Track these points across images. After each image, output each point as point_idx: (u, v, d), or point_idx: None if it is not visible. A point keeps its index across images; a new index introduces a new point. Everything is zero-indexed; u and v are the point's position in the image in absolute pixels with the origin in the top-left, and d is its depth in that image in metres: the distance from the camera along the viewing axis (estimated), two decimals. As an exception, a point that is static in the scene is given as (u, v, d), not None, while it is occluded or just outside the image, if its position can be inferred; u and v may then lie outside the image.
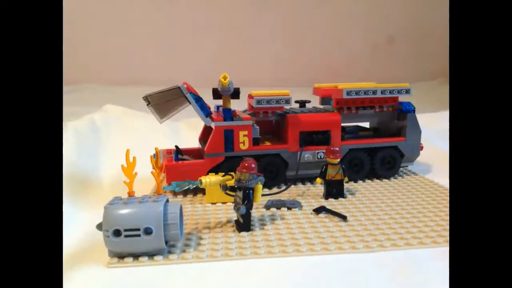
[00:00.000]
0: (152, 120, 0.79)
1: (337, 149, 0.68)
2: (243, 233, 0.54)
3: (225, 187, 0.57)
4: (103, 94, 2.00)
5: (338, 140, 0.77)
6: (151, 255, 0.48)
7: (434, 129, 1.08)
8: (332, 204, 0.66)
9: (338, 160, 0.68)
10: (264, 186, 0.74)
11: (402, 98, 0.81)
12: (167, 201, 0.51)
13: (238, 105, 0.80)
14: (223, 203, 0.67)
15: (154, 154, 0.67)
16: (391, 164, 0.80)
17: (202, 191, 0.70)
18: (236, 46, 2.64)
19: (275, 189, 0.74)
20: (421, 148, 0.83)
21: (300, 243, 0.51)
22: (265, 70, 2.61)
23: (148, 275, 0.45)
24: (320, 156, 0.76)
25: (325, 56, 2.66)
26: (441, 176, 0.80)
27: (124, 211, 0.47)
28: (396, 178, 0.81)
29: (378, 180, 0.80)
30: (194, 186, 0.55)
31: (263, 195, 0.67)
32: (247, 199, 0.54)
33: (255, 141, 0.74)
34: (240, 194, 0.55)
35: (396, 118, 0.84)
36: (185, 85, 0.70)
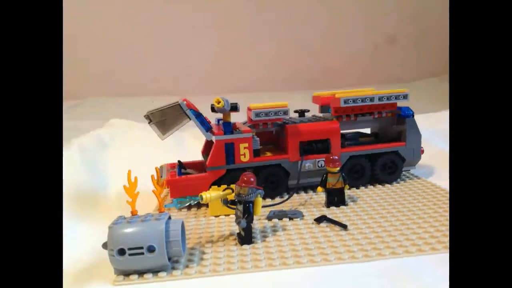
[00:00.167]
0: (157, 131, 0.80)
1: (336, 157, 0.69)
2: (245, 246, 0.56)
3: (225, 201, 0.59)
4: (107, 107, 2.03)
5: (338, 147, 0.78)
6: (155, 271, 0.50)
7: (436, 129, 1.08)
8: (333, 212, 0.67)
9: (338, 168, 0.69)
10: (267, 196, 0.75)
11: (401, 103, 0.82)
12: (169, 218, 0.52)
13: (239, 116, 0.81)
14: (226, 215, 0.68)
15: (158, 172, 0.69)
16: (392, 169, 0.81)
17: (206, 204, 0.72)
18: (235, 47, 2.65)
19: (277, 199, 0.75)
20: (422, 151, 0.83)
21: (301, 254, 0.52)
22: (265, 71, 2.62)
23: (152, 292, 0.47)
24: (321, 165, 0.77)
25: (326, 56, 2.66)
26: (443, 179, 0.81)
27: (128, 230, 0.49)
28: (398, 183, 0.81)
29: (380, 186, 0.80)
30: (196, 202, 0.56)
31: (265, 206, 0.69)
32: (247, 212, 0.56)
33: (256, 153, 0.75)
34: (240, 207, 0.56)
35: (396, 123, 0.84)
36: (185, 102, 0.72)
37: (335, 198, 0.70)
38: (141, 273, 0.50)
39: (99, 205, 0.77)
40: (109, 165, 0.92)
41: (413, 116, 0.82)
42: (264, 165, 0.75)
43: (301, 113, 0.87)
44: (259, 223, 0.64)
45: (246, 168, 0.73)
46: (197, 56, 2.61)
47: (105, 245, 0.50)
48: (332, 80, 2.44)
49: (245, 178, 0.56)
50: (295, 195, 0.77)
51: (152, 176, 0.56)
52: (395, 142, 0.82)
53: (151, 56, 2.61)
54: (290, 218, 0.65)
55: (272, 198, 0.76)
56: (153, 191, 0.55)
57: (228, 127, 0.73)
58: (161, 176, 0.74)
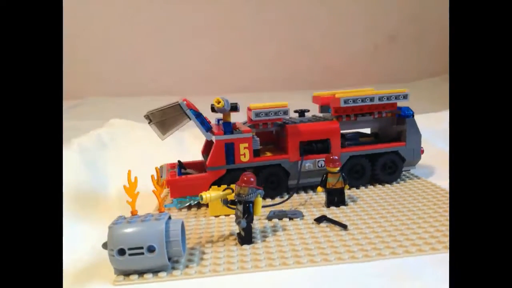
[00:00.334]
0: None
1: (336, 157, 0.69)
2: (245, 246, 0.56)
3: (225, 201, 0.59)
4: (107, 106, 2.03)
5: (338, 147, 0.78)
6: (155, 271, 0.50)
7: (436, 129, 1.08)
8: (333, 212, 0.67)
9: (338, 168, 0.69)
10: (267, 196, 0.75)
11: (401, 103, 0.82)
12: (169, 218, 0.52)
13: (240, 116, 0.81)
14: (226, 215, 0.68)
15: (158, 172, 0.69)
16: (392, 169, 0.81)
17: (206, 204, 0.72)
18: (235, 47, 2.65)
19: (277, 199, 0.75)
20: (422, 151, 0.83)
21: (301, 254, 0.52)
22: (265, 70, 2.62)
23: (152, 292, 0.47)
24: (321, 165, 0.77)
25: (326, 56, 2.66)
26: (443, 179, 0.81)
27: (128, 230, 0.49)
28: (398, 183, 0.81)
29: (380, 186, 0.80)
30: (196, 202, 0.56)
31: (265, 206, 0.69)
32: (247, 212, 0.56)
33: (256, 153, 0.75)
34: (240, 207, 0.56)
35: (396, 123, 0.84)
36: (185, 102, 0.72)
37: (335, 198, 0.70)
38: (141, 273, 0.50)
39: (99, 205, 0.77)
40: (109, 165, 0.92)
41: (413, 116, 0.82)
42: (264, 165, 0.75)
43: (301, 113, 0.87)
44: (259, 223, 0.64)
45: (246, 168, 0.73)
46: (197, 56, 2.61)
47: (105, 245, 0.50)
48: (332, 80, 2.43)
49: (245, 178, 0.56)
50: (295, 195, 0.77)
51: (152, 176, 0.56)
52: (395, 142, 0.82)
53: (151, 56, 2.61)
54: (290, 218, 0.65)
55: (272, 198, 0.76)
56: (153, 191, 0.55)
57: (228, 127, 0.73)
58: (161, 176, 0.74)
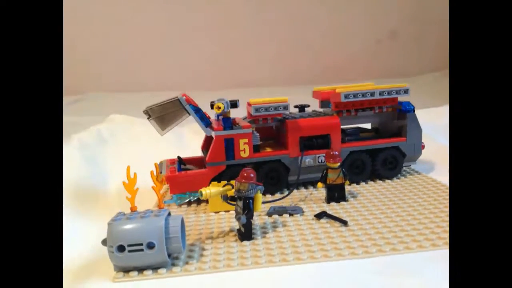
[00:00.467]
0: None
1: (336, 153, 0.69)
2: (245, 242, 0.56)
3: (225, 197, 0.59)
4: (107, 102, 2.03)
5: (338, 143, 0.78)
6: (155, 268, 0.50)
7: (437, 124, 1.08)
8: (333, 208, 0.67)
9: (338, 164, 0.69)
10: (267, 192, 0.75)
11: (402, 97, 0.81)
12: (169, 214, 0.52)
13: (240, 112, 0.81)
14: (226, 211, 0.68)
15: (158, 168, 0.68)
16: (393, 164, 0.81)
17: (206, 200, 0.72)
18: (236, 47, 2.65)
19: (277, 195, 0.75)
20: (423, 147, 0.83)
21: (301, 250, 0.52)
22: (266, 67, 2.61)
23: (152, 289, 0.47)
24: (321, 160, 0.76)
25: (327, 53, 2.65)
26: (443, 174, 0.80)
27: (127, 227, 0.49)
28: (398, 178, 0.81)
29: (380, 181, 0.80)
30: (195, 198, 0.56)
31: (265, 202, 0.68)
32: (247, 208, 0.55)
33: (256, 148, 0.75)
34: (240, 203, 0.56)
35: (396, 118, 0.84)
36: (184, 97, 0.71)
37: (335, 194, 0.69)
38: (140, 269, 0.49)
39: (99, 201, 0.76)
40: (109, 161, 0.91)
41: (413, 111, 0.81)
42: (264, 161, 0.75)
43: (301, 108, 0.86)
44: (259, 219, 0.64)
45: (246, 163, 0.73)
46: (197, 54, 2.61)
47: (104, 242, 0.50)
48: (334, 76, 2.42)
49: (245, 174, 0.55)
50: (295, 191, 0.77)
51: (151, 172, 0.56)
52: (395, 137, 0.82)
53: (152, 52, 2.60)
54: (290, 214, 0.65)
55: (272, 194, 0.76)
56: (152, 187, 0.55)
57: (228, 123, 0.73)
58: (161, 172, 0.73)
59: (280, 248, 0.53)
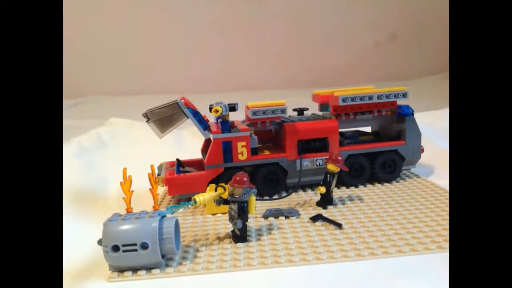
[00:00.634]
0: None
1: (341, 157, 0.68)
2: (239, 244, 0.56)
3: (219, 202, 0.59)
4: (107, 105, 2.05)
5: (336, 146, 0.78)
6: (149, 268, 0.50)
7: (436, 127, 1.07)
8: (330, 211, 0.67)
9: (339, 169, 0.68)
10: (265, 195, 0.75)
11: (401, 101, 0.81)
12: (164, 216, 0.53)
13: (239, 115, 0.81)
14: (223, 213, 0.69)
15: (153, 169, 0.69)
16: (392, 168, 0.81)
17: (204, 201, 0.72)
18: (236, 47, 2.65)
19: (275, 197, 0.75)
20: (422, 150, 0.83)
21: (294, 253, 0.52)
22: (267, 70, 2.61)
23: (145, 289, 0.47)
24: (319, 163, 0.76)
25: (328, 55, 2.65)
26: (443, 178, 0.80)
27: (122, 227, 0.49)
28: (397, 182, 0.81)
29: (379, 185, 0.80)
30: (189, 207, 0.57)
31: (259, 199, 0.69)
32: (243, 212, 0.56)
33: (254, 151, 0.75)
34: (234, 207, 0.56)
35: (395, 121, 0.84)
36: (183, 100, 0.72)
37: (328, 196, 0.69)
38: (135, 269, 0.50)
39: (99, 204, 0.77)
40: (109, 164, 0.93)
41: (412, 114, 0.81)
42: (262, 164, 0.75)
43: (300, 111, 0.86)
44: (255, 221, 0.64)
45: (244, 166, 0.74)
46: (198, 56, 2.62)
47: (100, 242, 0.50)
48: (334, 79, 2.42)
49: (238, 179, 0.56)
50: (292, 194, 0.77)
51: (149, 175, 0.57)
52: (395, 140, 0.82)
53: (151, 55, 2.62)
54: (286, 217, 0.65)
55: (270, 196, 0.76)
56: (149, 189, 0.56)
57: (226, 126, 0.74)
58: (159, 174, 0.74)
59: (273, 250, 0.53)
